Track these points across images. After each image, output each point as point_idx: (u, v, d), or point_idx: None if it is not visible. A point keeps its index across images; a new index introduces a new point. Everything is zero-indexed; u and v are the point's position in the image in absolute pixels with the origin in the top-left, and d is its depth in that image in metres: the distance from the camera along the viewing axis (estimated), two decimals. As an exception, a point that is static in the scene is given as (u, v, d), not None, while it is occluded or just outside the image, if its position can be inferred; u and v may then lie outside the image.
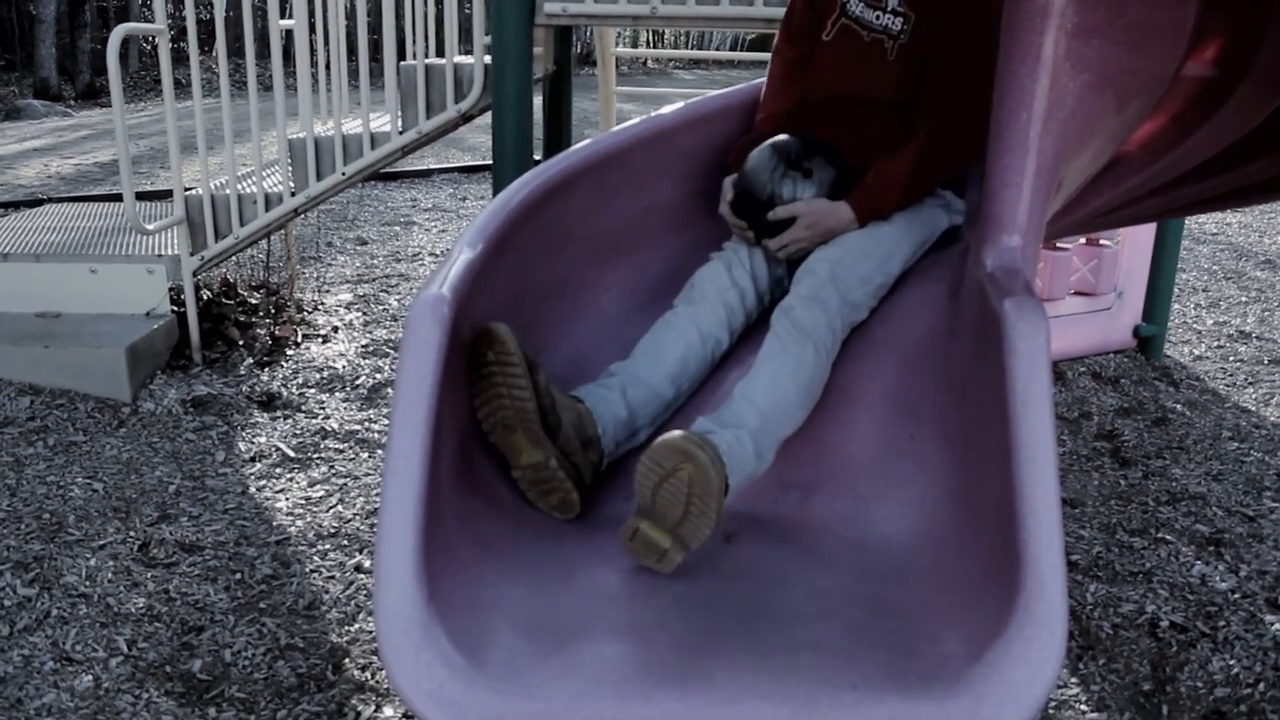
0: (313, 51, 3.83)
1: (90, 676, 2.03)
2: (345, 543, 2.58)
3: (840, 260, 1.82)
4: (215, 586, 2.36)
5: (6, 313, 3.59)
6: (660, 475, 1.41)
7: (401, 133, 3.75)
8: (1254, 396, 3.78)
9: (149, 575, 2.39)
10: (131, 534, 2.56)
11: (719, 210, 2.00)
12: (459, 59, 3.69)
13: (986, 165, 1.55)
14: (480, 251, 1.59)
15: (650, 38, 23.11)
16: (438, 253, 5.67)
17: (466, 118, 3.77)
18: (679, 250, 2.10)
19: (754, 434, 1.59)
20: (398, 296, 4.75)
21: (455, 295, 1.44)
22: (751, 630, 1.31)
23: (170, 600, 2.30)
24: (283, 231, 4.42)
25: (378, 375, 3.69)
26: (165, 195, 5.87)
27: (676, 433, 1.45)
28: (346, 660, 2.12)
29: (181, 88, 12.18)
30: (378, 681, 2.06)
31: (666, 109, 2.09)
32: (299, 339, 4.02)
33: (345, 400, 3.47)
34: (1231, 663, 2.18)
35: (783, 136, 1.93)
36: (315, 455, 3.06)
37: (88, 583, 2.34)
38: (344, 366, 3.76)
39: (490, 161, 3.93)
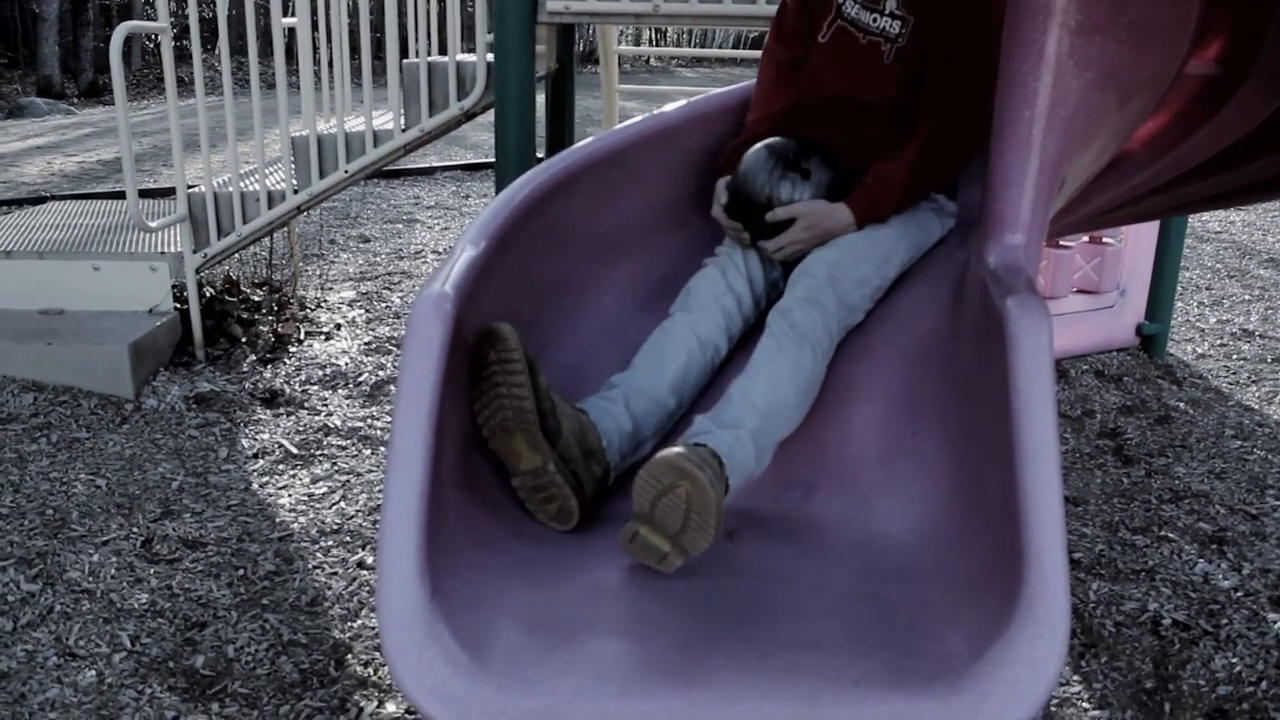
0: (315, 49, 3.84)
1: (93, 672, 2.04)
2: (348, 539, 2.59)
3: (838, 263, 1.81)
4: (218, 582, 2.36)
5: (10, 310, 3.60)
6: (658, 490, 1.40)
7: (404, 130, 3.75)
8: (1257, 395, 3.77)
9: (152, 571, 2.39)
10: (134, 530, 2.56)
11: (712, 213, 1.98)
12: (462, 57, 3.69)
13: (989, 163, 1.55)
14: (483, 249, 1.59)
15: (653, 35, 23.09)
16: (440, 250, 5.67)
17: (469, 115, 3.77)
18: (682, 248, 2.10)
19: (754, 434, 1.59)
20: (400, 294, 4.75)
21: (458, 293, 1.44)
22: (753, 628, 1.31)
23: (173, 596, 2.30)
24: (285, 229, 4.43)
25: (380, 372, 3.69)
26: (168, 193, 5.88)
27: (675, 449, 1.44)
28: (349, 656, 2.12)
29: (184, 85, 12.20)
30: (380, 677, 2.06)
31: (669, 107, 2.09)
32: (301, 336, 4.02)
33: (348, 397, 3.48)
34: (1234, 661, 2.18)
35: (777, 137, 1.92)
36: (318, 452, 3.07)
37: (91, 578, 2.34)
38: (346, 363, 3.76)
39: (492, 159, 3.93)
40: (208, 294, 4.01)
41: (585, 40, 18.51)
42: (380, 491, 2.80)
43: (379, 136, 3.76)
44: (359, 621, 2.25)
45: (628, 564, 1.45)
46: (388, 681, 2.04)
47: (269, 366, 3.68)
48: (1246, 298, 5.12)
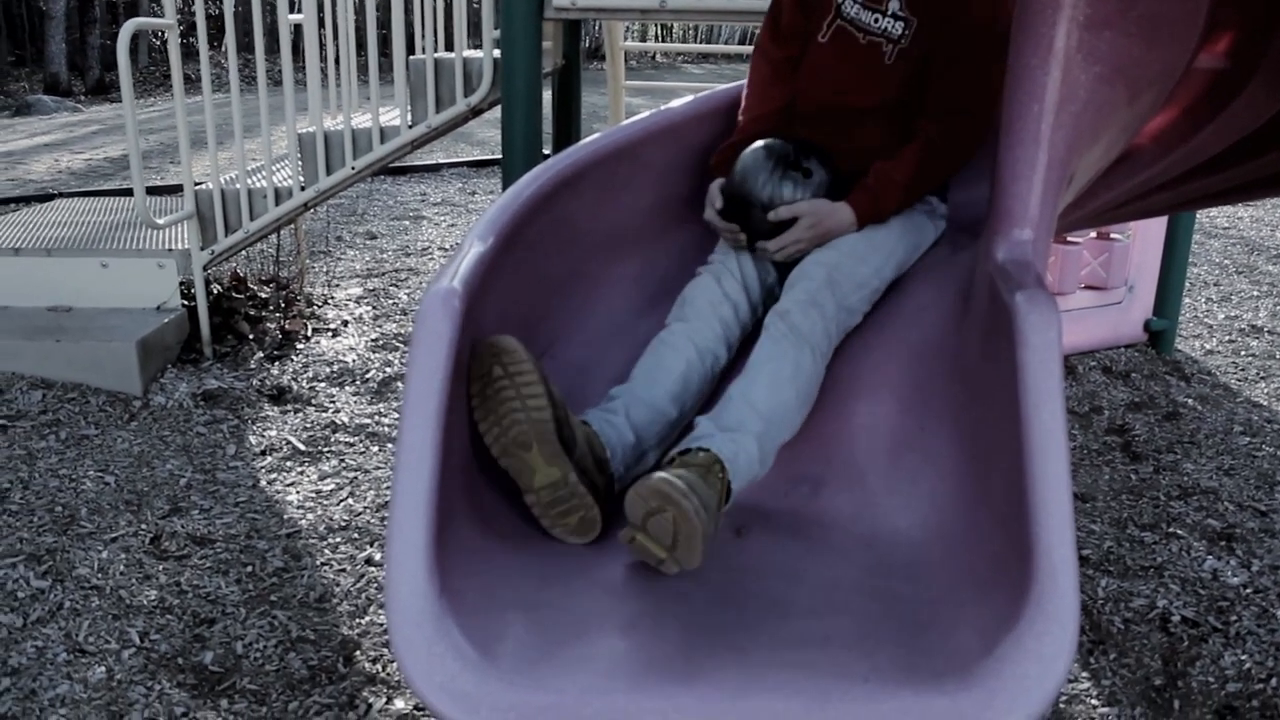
0: (322, 46, 3.84)
1: (103, 668, 2.04)
2: (356, 536, 2.59)
3: (837, 265, 1.79)
4: (226, 579, 2.37)
5: (18, 307, 3.61)
6: (647, 511, 1.39)
7: (411, 127, 3.75)
8: (1265, 391, 3.76)
9: (161, 568, 2.40)
10: (143, 527, 2.57)
11: (705, 216, 1.94)
12: (468, 53, 3.70)
13: (997, 158, 1.55)
14: (490, 245, 1.58)
15: (659, 32, 23.08)
16: (447, 247, 5.68)
17: (476, 112, 3.77)
18: (689, 244, 2.09)
19: (759, 438, 1.57)
20: (407, 290, 4.75)
21: (466, 289, 1.43)
22: (762, 624, 1.31)
23: (182, 593, 2.31)
24: (292, 226, 4.43)
25: (388, 369, 3.70)
26: (175, 190, 5.90)
27: (660, 475, 1.40)
28: (357, 653, 2.13)
29: (191, 83, 12.22)
30: (389, 674, 2.06)
31: (675, 103, 2.09)
32: (309, 333, 4.03)
33: (355, 394, 3.48)
34: (1243, 658, 2.17)
35: (773, 138, 1.89)
36: (325, 449, 3.07)
37: (100, 575, 2.35)
38: (354, 360, 3.77)
39: (499, 156, 3.92)
40: (215, 291, 4.01)
41: (591, 36, 18.51)
42: (388, 488, 2.81)
43: (386, 133, 3.76)
44: (367, 618, 2.25)
45: (635, 562, 1.45)
46: (396, 678, 2.05)
47: (276, 363, 3.68)
48: (1255, 294, 5.10)
